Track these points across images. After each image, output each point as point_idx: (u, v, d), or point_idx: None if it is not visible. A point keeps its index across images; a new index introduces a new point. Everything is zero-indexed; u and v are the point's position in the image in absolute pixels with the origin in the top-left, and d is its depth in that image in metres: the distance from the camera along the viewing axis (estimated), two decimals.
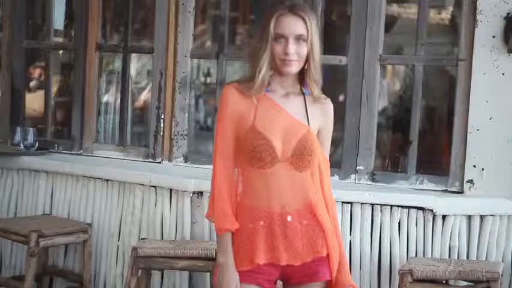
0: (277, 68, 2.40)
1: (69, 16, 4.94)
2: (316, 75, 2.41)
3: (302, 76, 2.43)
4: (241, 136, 2.39)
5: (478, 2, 3.56)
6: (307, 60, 2.38)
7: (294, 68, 2.38)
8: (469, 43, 3.64)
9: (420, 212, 3.56)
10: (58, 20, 4.90)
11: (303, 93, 2.44)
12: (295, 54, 2.36)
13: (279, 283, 2.50)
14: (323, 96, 2.48)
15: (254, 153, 2.37)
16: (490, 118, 3.57)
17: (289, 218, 2.39)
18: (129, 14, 4.42)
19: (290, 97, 2.44)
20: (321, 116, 2.47)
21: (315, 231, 2.41)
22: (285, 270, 2.41)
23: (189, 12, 4.20)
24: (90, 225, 4.06)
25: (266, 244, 2.38)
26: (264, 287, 2.41)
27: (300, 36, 2.36)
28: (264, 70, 2.38)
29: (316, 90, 2.43)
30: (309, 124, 2.41)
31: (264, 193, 2.39)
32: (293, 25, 2.36)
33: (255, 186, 2.40)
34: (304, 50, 2.36)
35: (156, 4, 4.26)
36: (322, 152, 2.48)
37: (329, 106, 2.49)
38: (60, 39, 5.02)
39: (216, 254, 2.57)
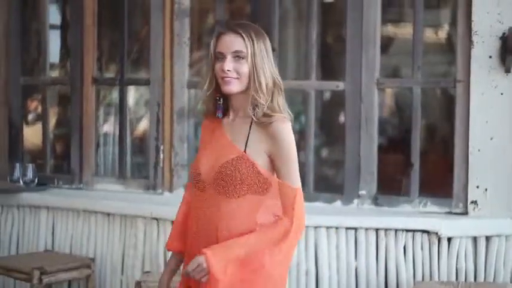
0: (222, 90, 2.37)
1: (65, 49, 4.94)
2: (258, 96, 2.31)
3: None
4: None
5: (473, 23, 3.57)
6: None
7: (234, 86, 2.31)
8: (466, 64, 3.63)
9: (425, 235, 3.54)
10: (53, 53, 4.89)
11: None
12: (234, 72, 2.30)
13: None
14: (272, 118, 2.30)
15: (190, 175, 2.41)
16: (491, 138, 3.56)
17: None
18: (125, 46, 4.42)
19: (236, 120, 2.39)
20: (266, 140, 2.31)
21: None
22: None
23: (184, 42, 4.20)
24: (93, 259, 4.02)
25: None
26: None
27: (238, 53, 2.31)
28: (208, 91, 2.38)
29: (259, 113, 2.30)
30: (245, 149, 2.31)
31: (193, 217, 2.40)
32: (231, 42, 2.31)
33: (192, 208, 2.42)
34: (244, 68, 2.31)
35: (151, 36, 4.27)
36: (279, 179, 2.32)
37: (275, 128, 2.29)
38: (56, 73, 5.02)
39: None
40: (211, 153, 2.36)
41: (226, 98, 2.40)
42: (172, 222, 2.48)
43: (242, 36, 2.31)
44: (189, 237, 2.42)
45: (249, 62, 2.31)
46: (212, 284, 2.22)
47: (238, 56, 2.31)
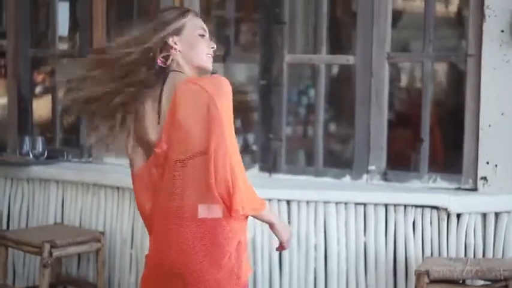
0: (198, 63, 2.44)
1: (73, 22, 4.92)
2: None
3: None
4: None
5: None
6: None
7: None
8: (478, 38, 3.59)
9: (434, 211, 3.53)
10: (62, 26, 4.87)
11: None
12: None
13: None
14: None
15: None
16: (502, 113, 3.53)
17: None
18: (133, 19, 4.39)
19: None
20: None
21: None
22: None
23: None
24: (102, 233, 4.04)
25: None
26: None
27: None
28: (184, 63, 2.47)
29: None
30: None
31: None
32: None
33: None
34: None
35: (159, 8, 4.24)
36: None
37: None
38: (64, 46, 5.00)
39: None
40: None
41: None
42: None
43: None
44: None
45: None
46: None
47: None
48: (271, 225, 2.46)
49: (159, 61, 2.36)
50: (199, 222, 2.29)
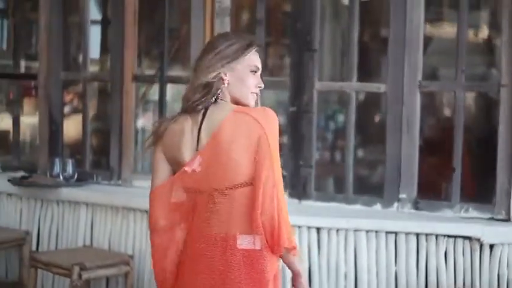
0: (240, 98, 2.42)
1: (105, 45, 4.96)
2: None
3: None
4: None
5: None
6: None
7: None
8: (510, 68, 3.60)
9: (467, 241, 3.52)
10: (93, 49, 4.92)
11: None
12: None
13: None
14: None
15: None
16: None
17: None
18: (165, 43, 4.43)
19: None
20: None
21: None
22: None
23: None
24: (131, 256, 4.05)
25: None
26: None
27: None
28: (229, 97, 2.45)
29: None
30: None
31: None
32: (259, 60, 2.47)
33: None
34: None
35: (191, 34, 4.27)
36: None
37: None
38: (95, 68, 5.04)
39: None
40: None
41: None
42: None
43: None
44: None
45: None
46: None
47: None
48: (297, 276, 2.40)
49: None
50: (244, 251, 2.31)
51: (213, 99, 2.37)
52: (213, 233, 2.33)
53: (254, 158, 2.28)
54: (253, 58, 2.42)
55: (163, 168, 2.43)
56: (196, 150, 2.35)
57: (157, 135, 2.42)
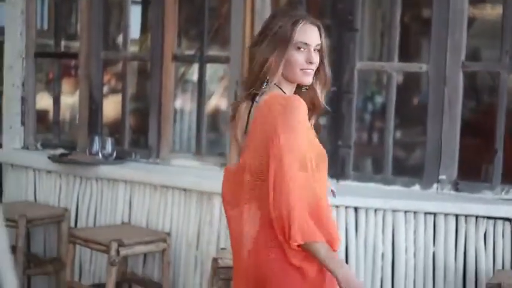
0: (291, 79, 2.37)
1: (145, 25, 4.98)
2: (326, 89, 2.44)
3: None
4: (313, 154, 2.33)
5: None
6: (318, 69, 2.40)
7: (311, 78, 2.39)
8: None
9: (507, 223, 3.47)
10: (133, 29, 4.93)
11: None
12: (315, 64, 2.37)
13: None
14: None
15: (322, 160, 2.38)
16: None
17: None
18: (205, 23, 4.42)
19: None
20: None
21: None
22: None
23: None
24: (168, 234, 4.08)
25: None
26: None
27: (317, 46, 2.37)
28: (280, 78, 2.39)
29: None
30: None
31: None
32: (314, 34, 2.36)
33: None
34: (317, 60, 2.38)
35: (231, 13, 4.26)
36: None
37: None
38: (135, 48, 5.07)
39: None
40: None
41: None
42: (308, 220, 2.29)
43: (319, 29, 2.37)
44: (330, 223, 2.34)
45: (319, 55, 2.38)
46: None
47: (316, 49, 2.37)
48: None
49: None
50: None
51: (264, 84, 2.35)
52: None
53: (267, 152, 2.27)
54: (301, 35, 2.34)
55: (234, 148, 2.48)
56: (245, 133, 2.38)
57: (231, 116, 2.48)
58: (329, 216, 2.32)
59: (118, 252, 3.84)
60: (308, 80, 2.38)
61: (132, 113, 5.16)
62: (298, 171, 2.25)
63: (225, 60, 4.34)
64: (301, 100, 2.32)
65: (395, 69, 3.93)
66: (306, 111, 2.32)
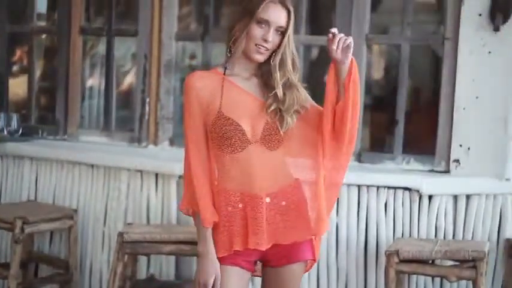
0: (246, 52, 2.37)
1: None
2: (289, 66, 2.37)
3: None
4: (209, 122, 2.36)
5: None
6: (276, 51, 2.36)
7: (264, 57, 2.37)
8: (455, 22, 3.60)
9: (407, 192, 3.55)
10: (40, 3, 4.82)
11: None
12: (271, 43, 2.34)
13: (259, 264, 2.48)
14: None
15: (224, 139, 2.35)
16: (476, 97, 3.54)
17: (267, 200, 2.36)
18: None
19: (251, 80, 2.42)
20: None
21: (294, 213, 2.39)
22: (264, 252, 2.39)
23: None
24: (75, 211, 4.02)
25: (245, 228, 2.36)
26: (242, 267, 2.39)
27: (280, 28, 2.35)
28: (239, 50, 2.37)
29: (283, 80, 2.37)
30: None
31: (239, 176, 2.37)
32: (279, 15, 2.34)
33: (229, 170, 2.38)
34: (277, 42, 2.35)
35: None
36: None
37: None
38: (43, 23, 4.95)
39: None
40: (245, 112, 2.37)
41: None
42: (193, 191, 2.38)
43: (288, 11, 2.36)
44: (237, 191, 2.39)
45: (281, 37, 2.35)
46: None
47: (278, 30, 2.35)
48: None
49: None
50: None
51: (228, 54, 2.39)
52: None
53: None
54: (264, 11, 2.33)
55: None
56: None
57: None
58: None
59: (23, 229, 3.76)
60: (258, 58, 2.36)
61: (41, 91, 5.05)
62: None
63: (134, 34, 4.28)
64: (190, 76, 2.39)
65: (302, 42, 3.95)
66: (195, 82, 2.38)
